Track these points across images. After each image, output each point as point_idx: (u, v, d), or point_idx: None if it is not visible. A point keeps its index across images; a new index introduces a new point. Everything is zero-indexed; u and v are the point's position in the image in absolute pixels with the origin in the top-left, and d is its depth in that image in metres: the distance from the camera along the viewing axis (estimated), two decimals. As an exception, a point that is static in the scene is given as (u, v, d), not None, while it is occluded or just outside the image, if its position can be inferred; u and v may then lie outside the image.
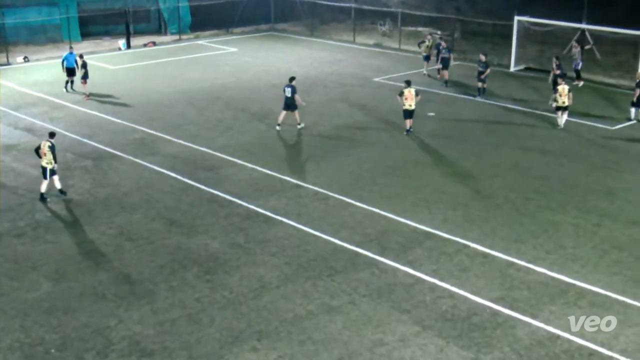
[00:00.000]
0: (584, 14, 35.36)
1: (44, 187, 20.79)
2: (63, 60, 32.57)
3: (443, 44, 35.20)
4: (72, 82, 32.63)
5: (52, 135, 21.30)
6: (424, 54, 36.19)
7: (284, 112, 27.08)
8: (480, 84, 31.57)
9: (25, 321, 14.82)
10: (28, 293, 15.91)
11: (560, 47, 35.70)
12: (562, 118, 27.43)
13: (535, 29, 37.22)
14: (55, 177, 20.88)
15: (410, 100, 26.14)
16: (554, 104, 27.44)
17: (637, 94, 28.09)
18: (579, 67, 33.98)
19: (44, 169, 20.72)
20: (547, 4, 39.70)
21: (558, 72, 30.41)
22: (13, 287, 16.14)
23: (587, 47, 30.69)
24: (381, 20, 47.90)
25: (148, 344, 14.08)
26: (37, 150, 20.86)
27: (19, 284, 16.31)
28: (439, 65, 34.64)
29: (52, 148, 20.62)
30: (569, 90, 27.21)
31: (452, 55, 34.87)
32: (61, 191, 21.06)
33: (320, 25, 49.48)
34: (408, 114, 26.44)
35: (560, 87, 27.24)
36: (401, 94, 26.33)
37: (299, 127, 27.17)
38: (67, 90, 32.53)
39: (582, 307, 15.22)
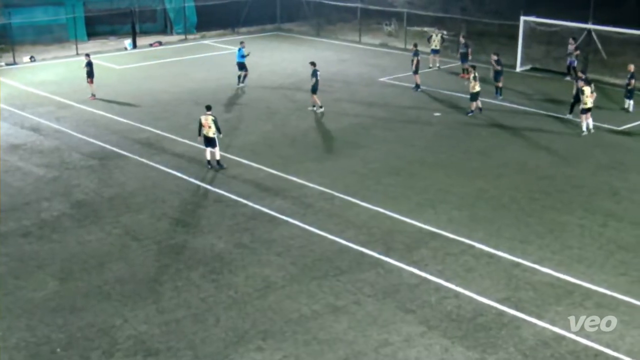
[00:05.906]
0: (590, 14, 35.24)
1: (208, 155, 23.00)
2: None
3: (461, 39, 36.57)
4: (244, 76, 33.41)
5: (209, 108, 23.17)
6: (433, 47, 37.04)
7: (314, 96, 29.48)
8: (496, 84, 31.55)
9: (31, 320, 14.87)
10: (34, 292, 15.96)
11: (565, 47, 35.58)
12: (587, 121, 26.60)
13: (542, 29, 37.12)
14: (217, 149, 22.98)
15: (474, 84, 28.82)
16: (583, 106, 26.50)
17: (632, 85, 29.34)
18: (575, 65, 34.36)
19: (207, 139, 22.76)
20: (553, 4, 39.52)
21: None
22: (19, 286, 16.19)
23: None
24: (387, 20, 47.86)
25: (153, 343, 14.11)
26: (200, 124, 22.83)
27: (25, 283, 16.36)
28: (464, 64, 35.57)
29: (215, 121, 22.72)
30: (592, 91, 26.43)
31: (470, 50, 35.89)
32: (219, 163, 23.01)
33: (326, 25, 49.45)
34: (474, 96, 29.14)
35: (586, 89, 26.33)
36: (475, 77, 28.71)
37: (318, 110, 29.30)
38: (239, 85, 33.38)
39: (588, 308, 15.19)
